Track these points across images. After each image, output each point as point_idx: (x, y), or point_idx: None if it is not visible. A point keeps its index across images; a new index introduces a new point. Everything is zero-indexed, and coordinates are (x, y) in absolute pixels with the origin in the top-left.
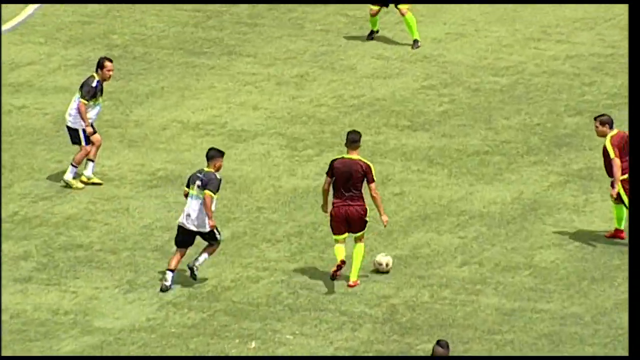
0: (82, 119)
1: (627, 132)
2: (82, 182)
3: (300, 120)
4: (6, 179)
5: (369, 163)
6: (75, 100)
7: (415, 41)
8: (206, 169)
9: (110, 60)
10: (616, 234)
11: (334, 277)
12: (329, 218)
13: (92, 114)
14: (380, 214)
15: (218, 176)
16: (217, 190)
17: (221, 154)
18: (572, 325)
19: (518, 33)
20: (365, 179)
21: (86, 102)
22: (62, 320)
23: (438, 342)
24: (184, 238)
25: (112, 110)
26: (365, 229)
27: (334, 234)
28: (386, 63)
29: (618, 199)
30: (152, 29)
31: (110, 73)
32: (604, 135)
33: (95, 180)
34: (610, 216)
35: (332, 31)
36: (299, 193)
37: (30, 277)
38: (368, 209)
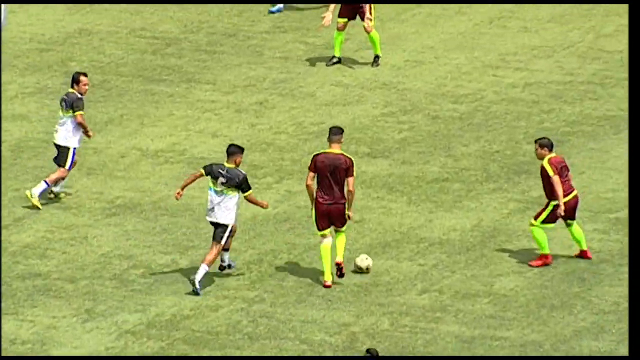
0: (84, 128)
1: (563, 158)
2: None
3: (260, 148)
4: None
5: (351, 157)
6: (64, 118)
7: (377, 57)
8: (227, 165)
9: (85, 75)
10: (583, 254)
11: (339, 274)
12: (313, 213)
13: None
14: (348, 208)
15: (243, 172)
16: (248, 197)
17: (241, 150)
18: (531, 352)
19: (477, 60)
20: (347, 174)
21: (82, 112)
22: (20, 350)
23: (368, 350)
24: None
25: None
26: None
27: (318, 229)
28: (346, 90)
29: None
30: (110, 56)
31: (86, 87)
32: (542, 157)
33: (33, 201)
34: (569, 244)
35: (291, 58)
36: (258, 221)
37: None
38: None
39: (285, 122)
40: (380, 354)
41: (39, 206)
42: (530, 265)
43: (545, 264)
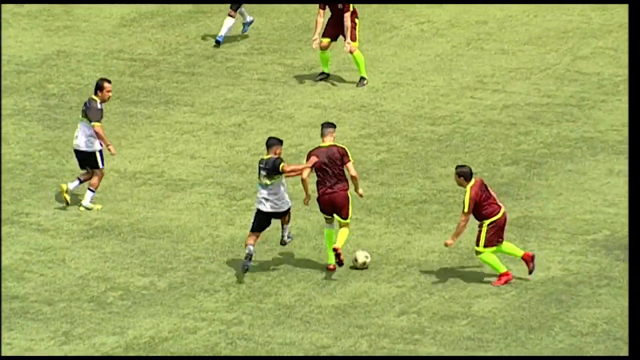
0: (103, 140)
1: (482, 180)
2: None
3: (238, 170)
4: None
5: (343, 146)
6: (83, 126)
7: (362, 78)
8: (266, 157)
9: (109, 81)
10: (526, 257)
11: (336, 267)
12: (317, 205)
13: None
14: (357, 189)
15: (275, 157)
16: (283, 168)
17: (280, 142)
18: None
19: (455, 82)
20: (343, 161)
21: (100, 123)
22: None
23: None
24: (261, 223)
25: (48, 159)
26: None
27: (324, 214)
28: (324, 112)
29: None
30: (88, 78)
31: (110, 94)
32: (462, 185)
33: (90, 209)
34: (547, 265)
35: (269, 80)
36: (237, 242)
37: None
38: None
39: (263, 144)
40: None
41: (100, 206)
42: (494, 285)
43: (507, 281)
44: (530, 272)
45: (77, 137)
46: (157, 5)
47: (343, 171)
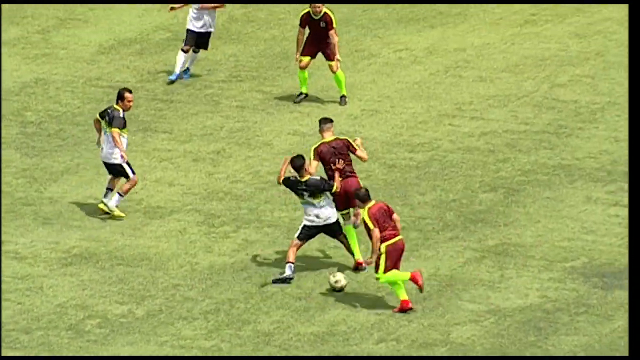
0: (118, 146)
1: (384, 203)
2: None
3: (217, 197)
4: None
5: (346, 137)
6: (107, 136)
7: (343, 97)
8: (303, 179)
9: (130, 92)
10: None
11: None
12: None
13: (123, 144)
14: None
15: (318, 178)
16: (336, 190)
17: (303, 157)
18: None
19: (433, 109)
20: (349, 150)
21: (120, 131)
22: None
23: None
24: (311, 234)
25: (26, 187)
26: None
27: (339, 210)
28: (302, 139)
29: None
30: (66, 105)
31: (130, 104)
32: (360, 207)
33: (114, 212)
34: (525, 292)
35: (247, 107)
36: (215, 270)
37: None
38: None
39: (241, 171)
40: None
41: (123, 215)
42: (394, 312)
43: (406, 309)
44: (420, 290)
45: (102, 148)
46: (136, 33)
47: (351, 161)
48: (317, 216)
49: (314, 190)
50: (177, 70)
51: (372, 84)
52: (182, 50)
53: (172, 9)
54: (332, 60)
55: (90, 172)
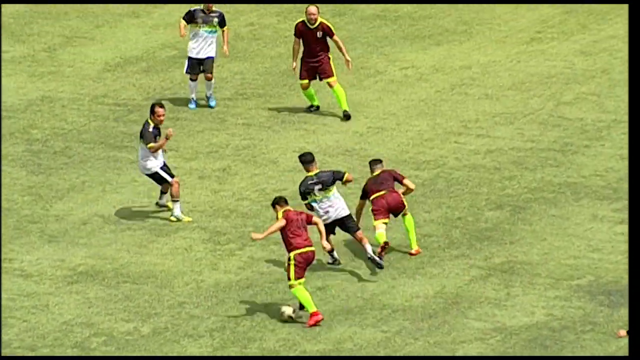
0: (162, 148)
1: (306, 214)
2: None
3: (223, 214)
4: None
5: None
6: (140, 148)
7: (345, 112)
8: (312, 173)
9: (162, 106)
10: (314, 317)
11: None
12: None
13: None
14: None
15: (328, 170)
16: (347, 178)
17: (312, 154)
18: None
19: (439, 127)
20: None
21: (153, 144)
22: None
23: None
24: (330, 227)
25: (32, 205)
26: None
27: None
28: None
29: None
30: (72, 123)
31: (161, 118)
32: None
33: (184, 220)
34: (531, 310)
35: (254, 125)
36: (221, 287)
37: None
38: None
39: (248, 189)
40: None
41: (190, 219)
42: (307, 326)
43: (317, 322)
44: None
45: (138, 161)
46: (142, 51)
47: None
48: (327, 212)
49: (325, 181)
50: (192, 95)
51: (378, 102)
52: (190, 79)
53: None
54: (330, 77)
55: (95, 189)
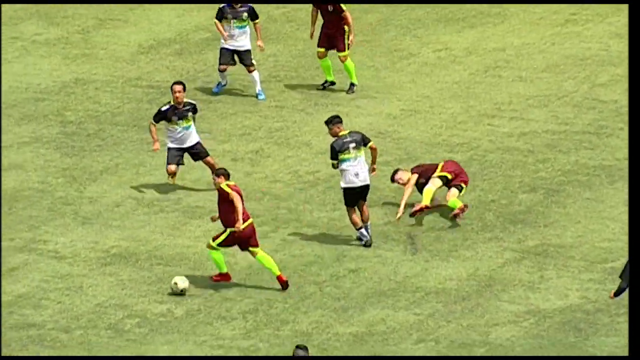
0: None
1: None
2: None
3: (256, 197)
4: None
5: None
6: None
7: (352, 85)
8: (345, 132)
9: (178, 83)
10: (280, 280)
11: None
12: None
13: (174, 135)
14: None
15: (358, 132)
16: (371, 145)
17: (337, 116)
18: None
19: (472, 109)
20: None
21: (153, 123)
22: None
23: (297, 347)
24: (355, 197)
25: (66, 187)
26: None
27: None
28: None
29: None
30: (106, 105)
31: (176, 95)
32: (219, 185)
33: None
34: (565, 293)
35: (286, 107)
36: (254, 270)
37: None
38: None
39: (280, 171)
40: None
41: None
42: (212, 280)
43: (225, 279)
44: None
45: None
46: (175, 33)
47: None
48: (358, 175)
49: (358, 140)
50: (222, 81)
51: (411, 84)
52: (220, 70)
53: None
54: (342, 51)
55: (129, 172)
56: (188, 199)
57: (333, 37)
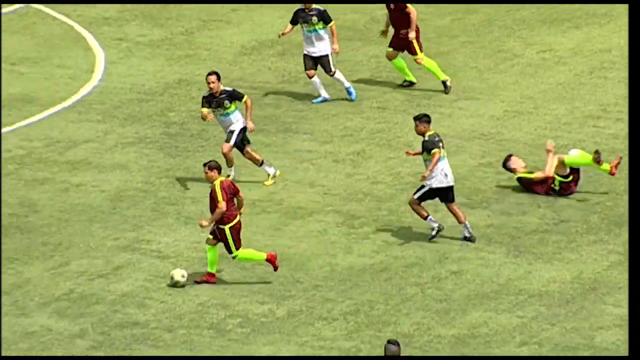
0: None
1: (230, 182)
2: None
3: (357, 198)
4: (62, 256)
5: None
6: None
7: (444, 83)
8: (433, 132)
9: (212, 74)
10: (269, 258)
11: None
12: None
13: (219, 121)
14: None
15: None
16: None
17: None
18: None
19: (577, 111)
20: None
21: (203, 109)
22: None
23: (389, 342)
24: (436, 196)
25: (169, 187)
26: None
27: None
28: (443, 140)
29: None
30: None
31: (210, 85)
32: (211, 180)
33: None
34: None
35: (388, 109)
36: (355, 271)
37: (86, 355)
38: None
39: (382, 172)
40: None
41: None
42: (196, 282)
43: (209, 282)
44: (275, 269)
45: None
46: (277, 34)
47: None
48: (447, 175)
49: (443, 141)
50: (322, 93)
51: (515, 85)
52: (308, 76)
53: (282, 34)
54: (414, 54)
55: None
56: (290, 200)
57: (403, 38)
